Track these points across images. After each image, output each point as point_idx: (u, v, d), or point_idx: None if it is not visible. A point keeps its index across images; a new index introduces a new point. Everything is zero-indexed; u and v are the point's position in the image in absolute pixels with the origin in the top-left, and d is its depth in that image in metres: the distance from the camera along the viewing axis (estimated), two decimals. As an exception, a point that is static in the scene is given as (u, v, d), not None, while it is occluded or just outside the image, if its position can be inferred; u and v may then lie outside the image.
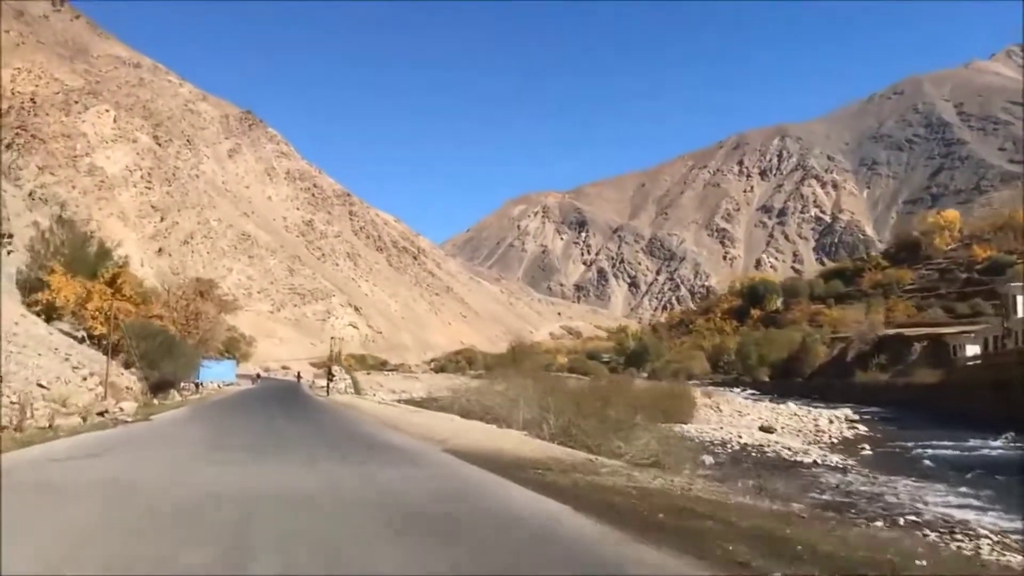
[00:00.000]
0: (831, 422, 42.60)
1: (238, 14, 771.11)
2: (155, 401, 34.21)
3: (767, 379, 77.01)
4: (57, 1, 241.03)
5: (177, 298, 60.29)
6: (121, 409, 24.66)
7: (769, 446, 30.32)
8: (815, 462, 25.84)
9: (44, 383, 22.68)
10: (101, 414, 22.38)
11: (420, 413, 32.84)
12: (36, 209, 53.24)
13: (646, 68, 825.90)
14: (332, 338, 75.59)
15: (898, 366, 64.76)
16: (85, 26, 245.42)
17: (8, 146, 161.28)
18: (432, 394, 68.58)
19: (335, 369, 67.79)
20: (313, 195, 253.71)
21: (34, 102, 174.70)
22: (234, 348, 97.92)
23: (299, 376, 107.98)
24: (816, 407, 51.32)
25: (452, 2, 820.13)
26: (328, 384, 63.39)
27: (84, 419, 20.58)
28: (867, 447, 32.12)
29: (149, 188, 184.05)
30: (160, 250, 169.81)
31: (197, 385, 60.00)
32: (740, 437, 32.81)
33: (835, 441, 35.75)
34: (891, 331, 71.71)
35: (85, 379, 27.22)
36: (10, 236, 38.29)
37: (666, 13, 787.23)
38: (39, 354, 25.45)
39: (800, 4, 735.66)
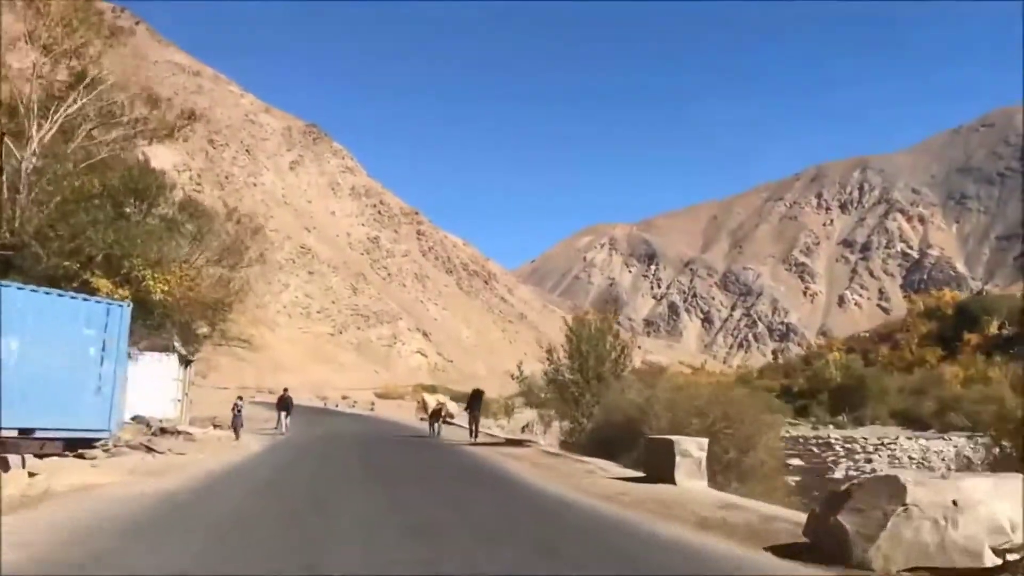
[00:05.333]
0: None
1: (306, 28, 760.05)
2: None
3: None
4: (118, 8, 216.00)
5: None
6: None
7: None
8: None
9: None
10: None
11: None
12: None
13: (718, 98, 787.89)
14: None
15: None
16: (144, 32, 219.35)
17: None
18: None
19: None
20: (379, 212, 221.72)
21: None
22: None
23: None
24: None
25: (522, 29, 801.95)
26: None
27: None
28: None
29: (198, 191, 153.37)
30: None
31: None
32: None
33: None
34: None
35: None
36: None
37: (741, 43, 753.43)
38: None
39: (878, 37, 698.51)
